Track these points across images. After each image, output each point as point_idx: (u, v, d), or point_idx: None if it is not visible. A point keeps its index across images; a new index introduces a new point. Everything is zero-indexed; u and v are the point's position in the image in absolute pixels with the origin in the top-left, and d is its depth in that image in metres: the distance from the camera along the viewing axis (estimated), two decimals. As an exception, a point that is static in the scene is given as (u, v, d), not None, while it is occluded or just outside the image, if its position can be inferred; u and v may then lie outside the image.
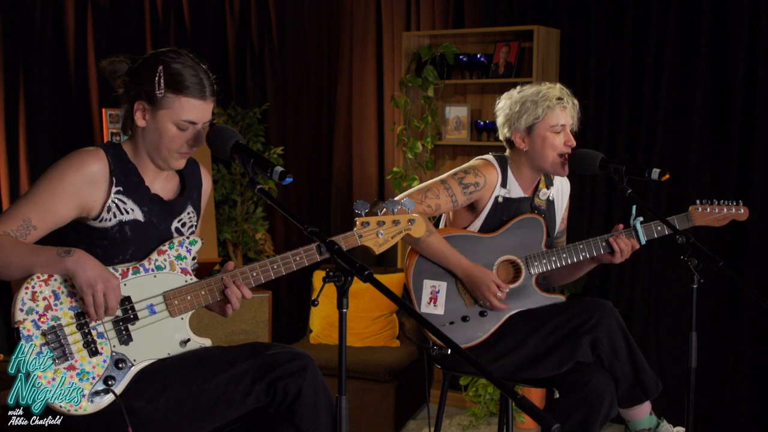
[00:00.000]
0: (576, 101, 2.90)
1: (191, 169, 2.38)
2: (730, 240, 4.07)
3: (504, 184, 2.89)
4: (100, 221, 2.18)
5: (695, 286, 2.59)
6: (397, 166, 4.77)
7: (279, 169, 2.06)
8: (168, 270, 2.22)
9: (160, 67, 2.17)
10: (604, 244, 2.84)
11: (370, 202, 2.34)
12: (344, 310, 1.91)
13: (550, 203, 3.00)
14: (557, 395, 2.82)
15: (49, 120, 4.39)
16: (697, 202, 2.95)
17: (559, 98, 2.83)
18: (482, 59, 4.62)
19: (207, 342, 2.28)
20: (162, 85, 2.16)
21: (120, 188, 2.20)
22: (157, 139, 2.21)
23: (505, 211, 2.90)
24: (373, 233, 2.37)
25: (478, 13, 4.82)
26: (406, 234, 2.43)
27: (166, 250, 2.24)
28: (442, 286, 2.87)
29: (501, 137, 2.95)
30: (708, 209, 2.93)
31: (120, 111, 2.29)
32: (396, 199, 2.47)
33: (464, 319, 2.86)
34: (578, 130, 2.92)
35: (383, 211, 2.39)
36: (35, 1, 4.31)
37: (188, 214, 2.35)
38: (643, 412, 2.83)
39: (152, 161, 2.26)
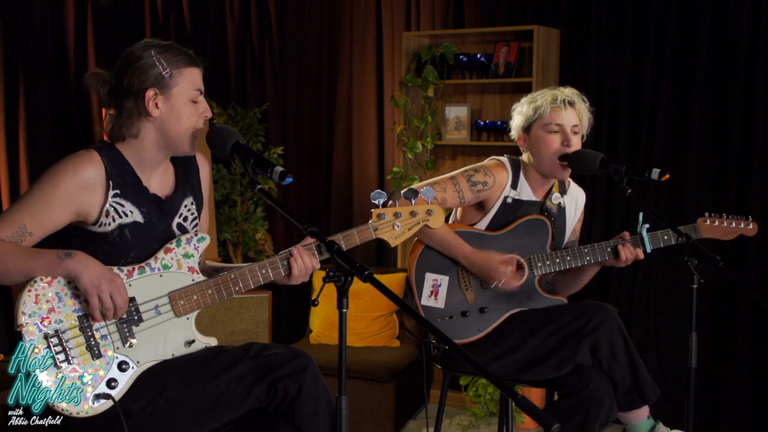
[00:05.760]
0: (583, 106, 2.88)
1: (185, 159, 2.36)
2: (729, 240, 4.06)
3: (515, 186, 2.89)
4: (100, 226, 2.16)
5: (695, 286, 2.58)
6: (397, 166, 4.76)
7: (279, 169, 2.05)
8: (175, 268, 2.20)
9: (152, 52, 2.19)
10: (609, 250, 2.83)
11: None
12: (344, 310, 1.90)
13: (560, 210, 2.98)
14: (556, 397, 2.82)
15: (49, 120, 4.39)
16: (706, 214, 2.95)
17: (554, 100, 2.83)
18: (482, 59, 4.62)
19: (213, 341, 2.26)
20: (165, 65, 2.18)
21: (117, 191, 2.18)
22: (175, 121, 2.20)
23: (513, 212, 2.90)
24: (389, 225, 2.29)
25: (478, 13, 4.81)
26: (423, 225, 2.34)
27: (174, 248, 2.22)
28: (444, 280, 2.87)
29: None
30: (716, 222, 2.94)
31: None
32: (415, 187, 2.39)
33: (464, 314, 2.85)
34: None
35: (401, 202, 2.31)
36: (35, 2, 4.31)
37: (187, 207, 2.32)
38: (640, 417, 2.82)
39: (170, 149, 2.24)
